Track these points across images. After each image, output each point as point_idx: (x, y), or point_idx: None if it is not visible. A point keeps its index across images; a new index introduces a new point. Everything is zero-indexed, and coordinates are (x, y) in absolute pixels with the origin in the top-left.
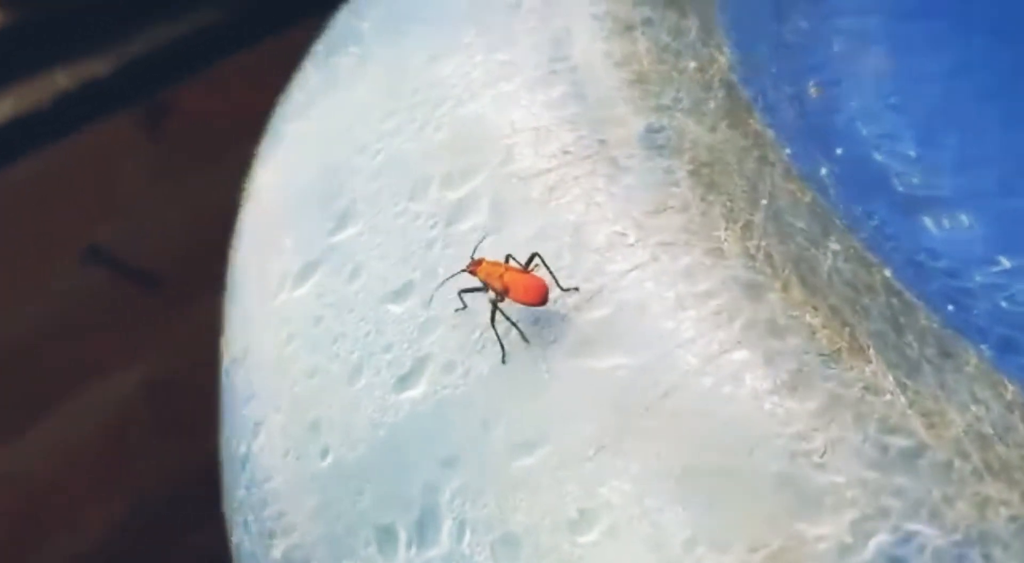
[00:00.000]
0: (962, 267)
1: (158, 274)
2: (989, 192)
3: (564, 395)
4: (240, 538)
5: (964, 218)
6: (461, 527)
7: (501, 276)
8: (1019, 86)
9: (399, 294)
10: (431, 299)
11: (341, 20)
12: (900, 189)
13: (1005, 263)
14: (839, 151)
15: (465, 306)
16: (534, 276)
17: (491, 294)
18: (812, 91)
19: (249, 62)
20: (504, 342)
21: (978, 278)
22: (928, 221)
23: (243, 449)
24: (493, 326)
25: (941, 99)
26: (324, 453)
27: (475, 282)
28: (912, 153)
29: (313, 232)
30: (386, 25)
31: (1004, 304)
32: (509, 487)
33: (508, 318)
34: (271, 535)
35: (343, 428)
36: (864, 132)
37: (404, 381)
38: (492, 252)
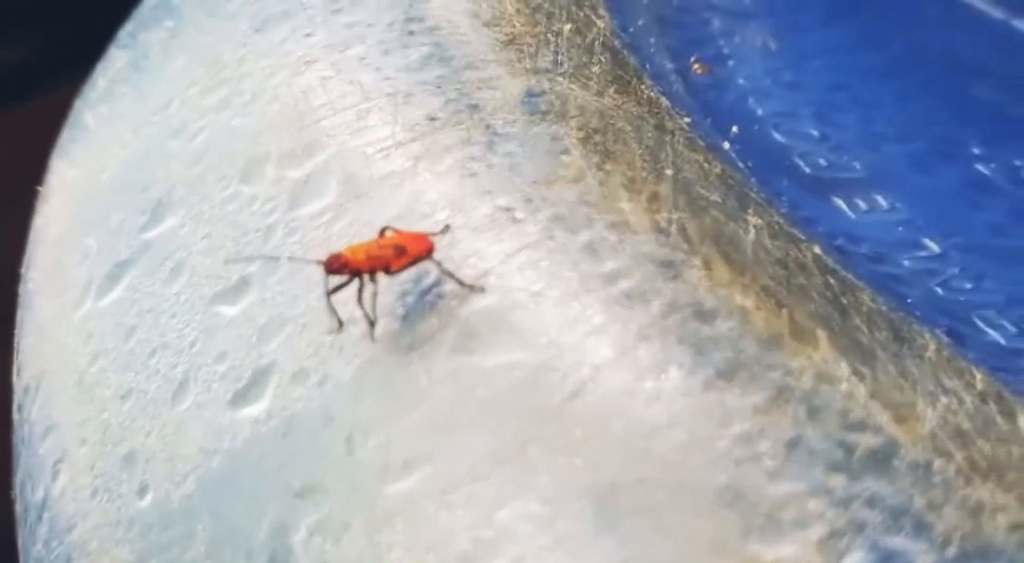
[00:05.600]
0: (887, 252)
1: None
2: (902, 171)
3: (448, 402)
4: None
5: (881, 199)
6: None
7: (383, 247)
8: (908, 63)
9: (233, 293)
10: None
11: None
12: (807, 170)
13: (933, 247)
14: (735, 129)
15: (341, 325)
16: (411, 232)
17: (366, 279)
18: (696, 68)
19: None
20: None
21: (907, 263)
22: (842, 203)
23: (40, 494)
24: (361, 304)
25: (834, 77)
26: (142, 491)
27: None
28: (814, 132)
29: (122, 228)
30: None
31: (940, 291)
32: (382, 518)
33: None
34: None
35: (166, 459)
36: (759, 111)
37: (242, 396)
38: (347, 236)
